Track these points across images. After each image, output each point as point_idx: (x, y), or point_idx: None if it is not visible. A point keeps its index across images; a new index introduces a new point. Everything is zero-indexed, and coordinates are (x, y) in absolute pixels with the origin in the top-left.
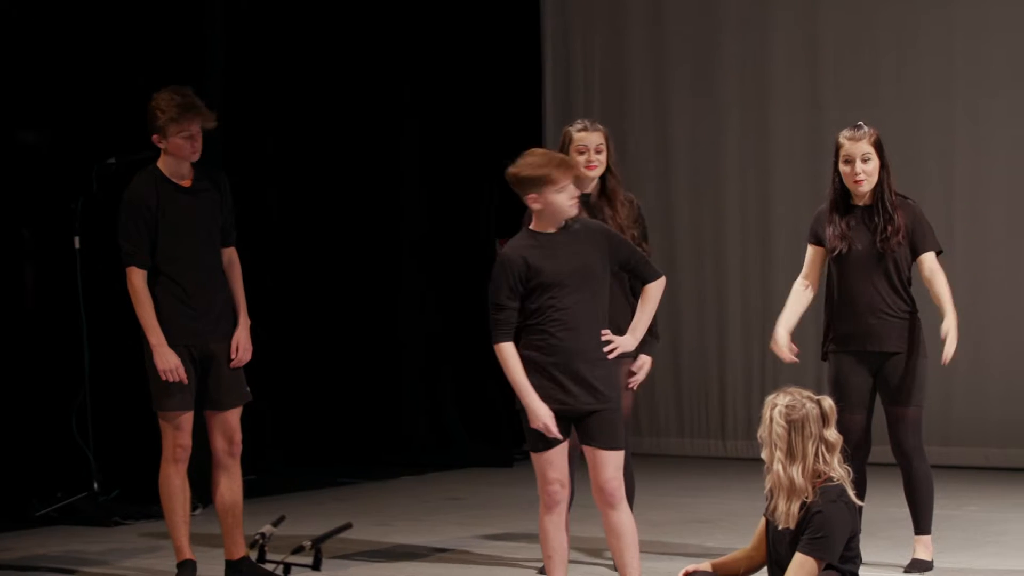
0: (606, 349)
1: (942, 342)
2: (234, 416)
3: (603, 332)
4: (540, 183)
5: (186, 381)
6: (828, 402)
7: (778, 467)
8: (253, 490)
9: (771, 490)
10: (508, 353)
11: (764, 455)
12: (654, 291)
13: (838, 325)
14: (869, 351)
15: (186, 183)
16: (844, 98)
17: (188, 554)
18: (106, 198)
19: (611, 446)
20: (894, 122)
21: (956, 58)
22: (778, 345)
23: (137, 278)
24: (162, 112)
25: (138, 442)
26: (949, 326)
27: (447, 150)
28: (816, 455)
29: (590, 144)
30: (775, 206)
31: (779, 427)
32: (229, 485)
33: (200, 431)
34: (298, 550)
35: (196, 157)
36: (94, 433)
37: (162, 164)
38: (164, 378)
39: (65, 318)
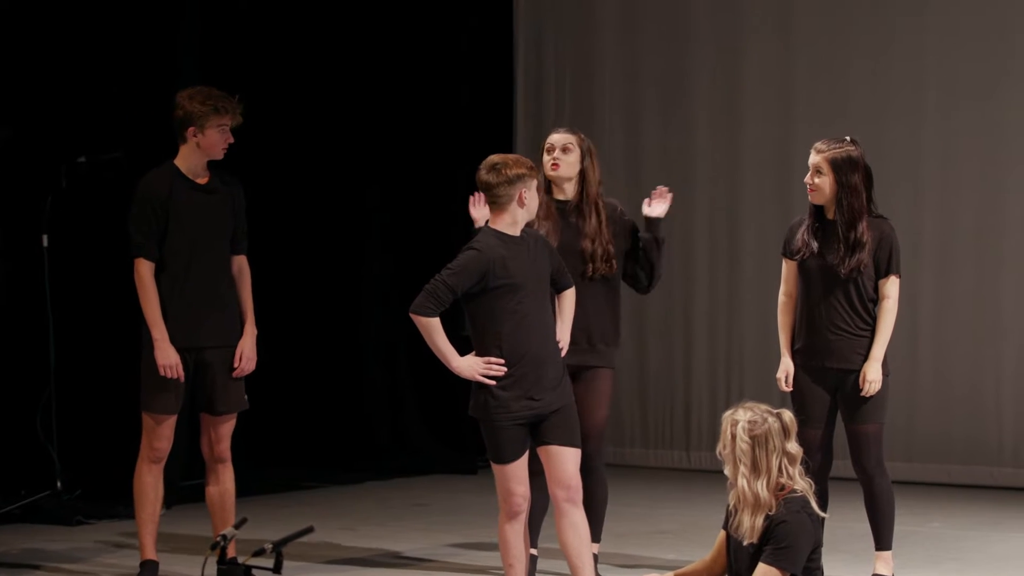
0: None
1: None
2: (224, 422)
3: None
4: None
5: (183, 379)
6: (788, 415)
7: (743, 482)
8: None
9: (735, 506)
10: (435, 325)
11: (727, 471)
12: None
13: (799, 339)
14: (828, 367)
15: (201, 181)
16: (815, 109)
17: (151, 554)
18: (75, 196)
19: (574, 443)
20: (864, 133)
21: (927, 69)
22: (788, 377)
23: (144, 270)
24: (200, 104)
25: (102, 442)
26: (872, 358)
27: (416, 154)
28: (780, 468)
29: (556, 143)
30: (744, 217)
31: (743, 443)
32: (216, 487)
33: (177, 434)
34: (259, 553)
35: (222, 155)
36: (58, 432)
37: (180, 160)
38: (163, 373)
39: (32, 316)
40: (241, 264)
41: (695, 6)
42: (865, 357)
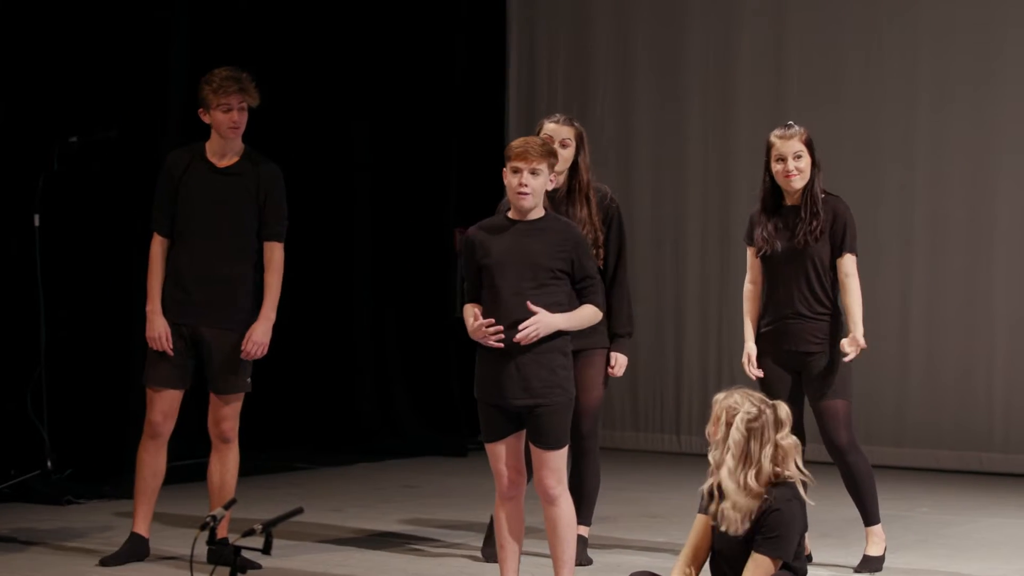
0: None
1: (841, 348)
2: (225, 402)
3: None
4: (505, 159)
5: (171, 352)
6: (784, 408)
7: (725, 471)
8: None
9: (714, 490)
10: (467, 310)
11: (713, 455)
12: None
13: (762, 324)
14: (788, 350)
15: (223, 163)
16: (808, 97)
17: (139, 529)
18: (67, 176)
19: (547, 445)
20: (856, 122)
21: (920, 59)
22: (752, 363)
23: (154, 244)
24: (206, 84)
25: (93, 421)
26: (854, 338)
27: (408, 142)
28: (771, 460)
29: (556, 136)
30: (736, 202)
31: (738, 433)
32: (218, 467)
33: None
34: (248, 533)
35: (235, 135)
36: (49, 412)
37: (209, 143)
38: (151, 346)
39: (23, 296)
40: (270, 251)
41: None
42: (823, 339)
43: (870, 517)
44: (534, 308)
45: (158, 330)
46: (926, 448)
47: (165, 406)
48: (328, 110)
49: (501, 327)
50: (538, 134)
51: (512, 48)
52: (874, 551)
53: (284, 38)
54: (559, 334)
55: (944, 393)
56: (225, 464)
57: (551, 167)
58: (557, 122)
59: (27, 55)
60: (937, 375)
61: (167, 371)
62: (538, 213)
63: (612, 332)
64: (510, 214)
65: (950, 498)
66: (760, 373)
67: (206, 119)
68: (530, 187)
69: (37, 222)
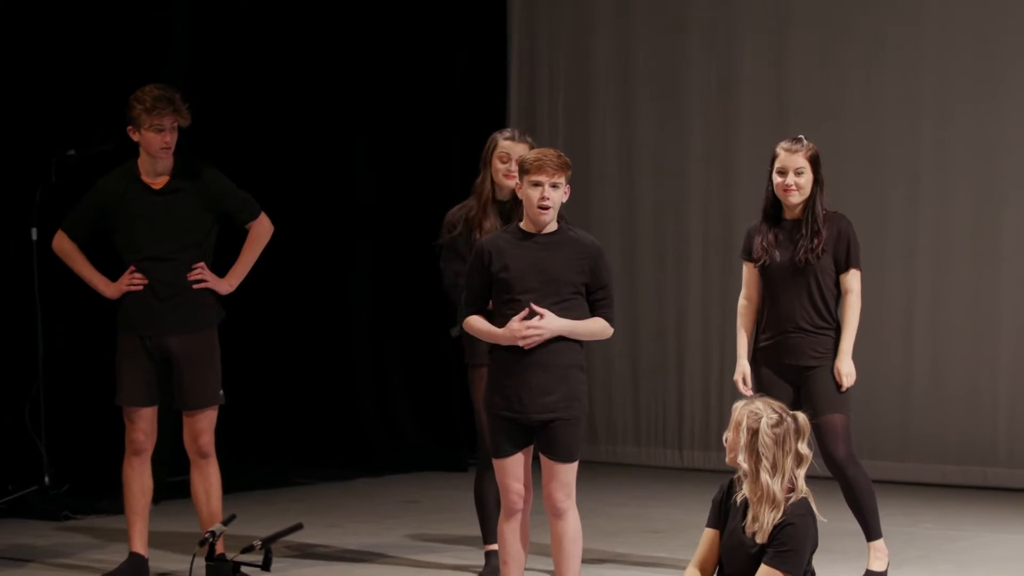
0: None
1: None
2: (199, 417)
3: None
4: (520, 171)
5: (114, 297)
6: (802, 417)
7: (766, 476)
8: None
9: (748, 500)
10: (469, 322)
11: (745, 463)
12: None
13: (761, 336)
14: (787, 364)
15: (158, 184)
16: (810, 107)
17: (136, 548)
18: (65, 190)
19: (559, 458)
20: (860, 133)
21: (924, 69)
22: (748, 383)
23: (63, 240)
24: (138, 102)
25: (90, 437)
26: (842, 351)
27: (408, 149)
28: (792, 469)
29: (513, 154)
30: (738, 213)
31: (767, 437)
32: (201, 484)
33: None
34: (248, 549)
35: (166, 155)
36: (46, 427)
37: (140, 161)
38: (125, 289)
39: (20, 310)
40: (254, 228)
41: (691, 1)
42: (824, 354)
43: (871, 532)
44: (538, 309)
45: (120, 284)
46: (930, 463)
47: (144, 424)
48: (327, 118)
49: (541, 310)
50: (488, 149)
51: (513, 58)
52: (877, 566)
53: (286, 44)
54: (575, 345)
55: (949, 406)
56: (208, 480)
57: (568, 179)
58: (512, 139)
59: (24, 68)
60: (942, 388)
61: (141, 388)
62: (553, 226)
63: None
64: (523, 226)
65: (954, 513)
66: (750, 392)
67: (135, 137)
68: (551, 201)
69: (35, 235)
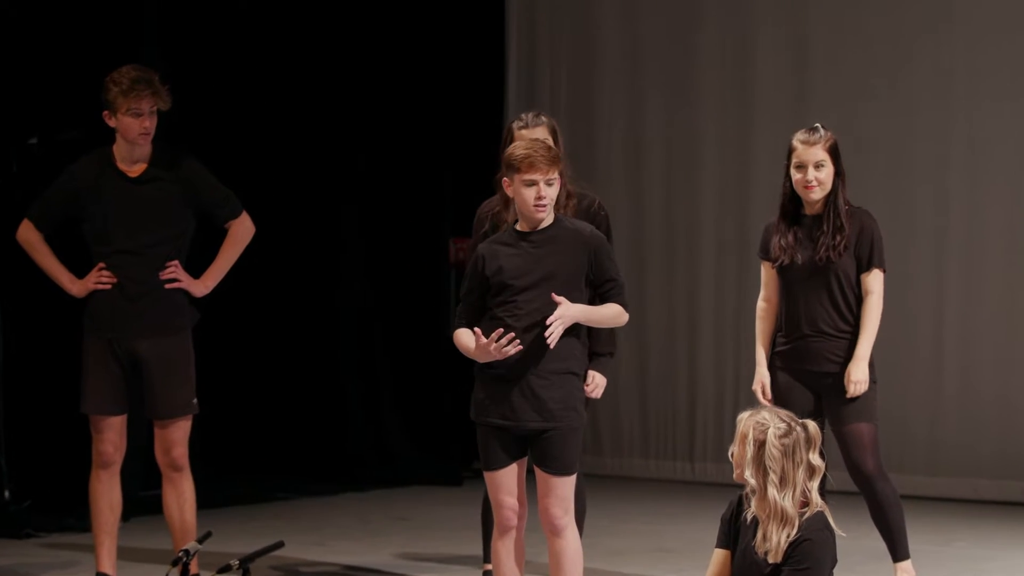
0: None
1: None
2: (172, 428)
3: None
4: (507, 167)
5: (80, 295)
6: (813, 425)
7: (773, 492)
8: None
9: (758, 517)
10: (457, 335)
11: (752, 478)
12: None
13: (780, 340)
14: (808, 369)
15: (135, 171)
16: (829, 94)
17: (104, 568)
18: (27, 180)
19: (554, 471)
20: (889, 129)
21: (954, 66)
22: (767, 391)
23: (29, 231)
24: (114, 84)
25: (54, 448)
26: (857, 356)
27: (401, 151)
28: (804, 482)
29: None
30: (752, 212)
31: (774, 449)
32: (175, 499)
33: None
34: (224, 569)
35: (144, 141)
36: (6, 437)
37: (116, 147)
38: (91, 288)
39: None
40: (233, 228)
41: None
42: (845, 359)
43: (899, 552)
44: (557, 299)
45: (87, 282)
46: (963, 476)
47: (111, 435)
48: (319, 117)
49: (512, 333)
50: (510, 142)
51: (511, 54)
52: None
53: (268, 34)
54: (573, 350)
55: (981, 415)
56: (182, 495)
57: (560, 171)
58: (526, 126)
59: None
60: (974, 396)
61: (109, 396)
62: (549, 219)
63: (592, 351)
64: (518, 226)
65: (989, 531)
66: (768, 402)
67: (111, 123)
68: (547, 198)
69: None
